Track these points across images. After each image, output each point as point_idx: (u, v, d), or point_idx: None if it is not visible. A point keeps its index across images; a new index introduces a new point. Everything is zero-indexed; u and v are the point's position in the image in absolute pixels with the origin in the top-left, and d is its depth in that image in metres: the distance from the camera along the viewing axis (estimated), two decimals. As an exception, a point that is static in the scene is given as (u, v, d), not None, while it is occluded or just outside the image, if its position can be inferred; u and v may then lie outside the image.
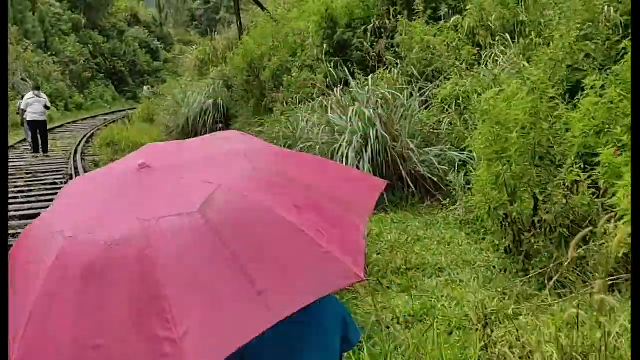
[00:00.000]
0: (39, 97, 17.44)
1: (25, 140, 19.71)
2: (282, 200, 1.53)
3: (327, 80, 12.55)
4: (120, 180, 1.66)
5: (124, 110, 40.14)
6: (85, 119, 33.93)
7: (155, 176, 1.61)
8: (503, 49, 9.11)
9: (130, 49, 54.25)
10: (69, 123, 32.06)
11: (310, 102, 11.88)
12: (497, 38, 9.54)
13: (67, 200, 1.76)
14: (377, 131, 8.70)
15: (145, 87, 45.36)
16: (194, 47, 31.93)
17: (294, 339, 1.64)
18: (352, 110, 9.24)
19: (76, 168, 14.19)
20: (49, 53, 42.31)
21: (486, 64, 9.04)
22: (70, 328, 1.39)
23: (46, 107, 17.72)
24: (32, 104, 17.20)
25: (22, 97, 18.35)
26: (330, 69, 12.91)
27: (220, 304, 1.35)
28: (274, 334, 1.39)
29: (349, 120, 9.20)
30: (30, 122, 17.41)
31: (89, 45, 48.79)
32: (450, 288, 5.57)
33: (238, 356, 1.33)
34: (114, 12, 56.53)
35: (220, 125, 17.00)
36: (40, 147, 17.65)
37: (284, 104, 13.20)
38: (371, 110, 9.01)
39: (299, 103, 12.37)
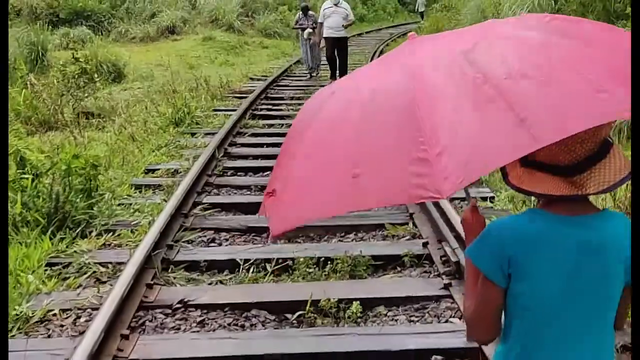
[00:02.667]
0: (339, 6, 13.98)
1: (299, 63, 17.23)
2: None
3: None
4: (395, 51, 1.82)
5: (407, 24, 37.67)
6: (369, 32, 31.96)
7: (424, 39, 1.77)
8: None
9: (416, -42, 51.01)
10: (352, 36, 30.31)
11: None
12: None
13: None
14: None
15: (419, 0, 42.48)
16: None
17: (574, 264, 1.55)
18: None
19: None
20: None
21: None
22: (329, 164, 1.55)
23: (347, 21, 14.08)
24: (329, 16, 13.89)
25: (302, 8, 15.46)
26: None
27: (479, 128, 1.37)
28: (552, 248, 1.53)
29: None
30: (326, 40, 14.15)
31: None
32: None
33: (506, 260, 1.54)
34: None
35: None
36: (338, 74, 14.39)
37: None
38: None
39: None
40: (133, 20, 23.69)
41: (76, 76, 10.93)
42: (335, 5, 13.93)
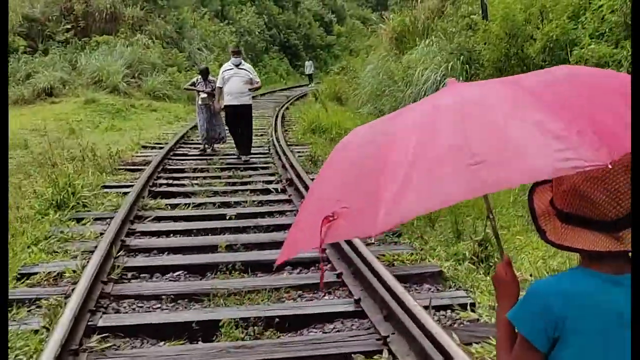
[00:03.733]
0: (241, 67, 11.63)
1: (196, 128, 14.17)
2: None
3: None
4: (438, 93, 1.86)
5: (300, 86, 37.07)
6: (263, 94, 30.90)
7: (471, 84, 1.86)
8: None
9: (305, 21, 51.18)
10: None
11: None
12: None
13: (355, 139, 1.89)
14: None
15: (307, 62, 42.39)
16: (390, 17, 27.59)
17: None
18: None
19: (291, 166, 10.35)
20: (226, 22, 39.97)
21: None
22: (437, 157, 1.48)
23: (252, 84, 11.81)
24: (229, 79, 11.47)
25: (201, 70, 13.07)
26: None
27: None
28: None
29: None
30: (227, 109, 11.68)
31: (264, 16, 46.16)
32: None
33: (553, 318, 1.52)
34: (290, -18, 53.71)
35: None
36: (239, 152, 11.95)
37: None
38: None
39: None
40: (5, 81, 21.29)
41: None
42: (236, 66, 11.62)
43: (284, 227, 7.14)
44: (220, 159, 12.02)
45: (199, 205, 8.34)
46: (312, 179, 9.46)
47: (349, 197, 1.60)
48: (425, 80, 13.68)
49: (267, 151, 12.90)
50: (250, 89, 11.79)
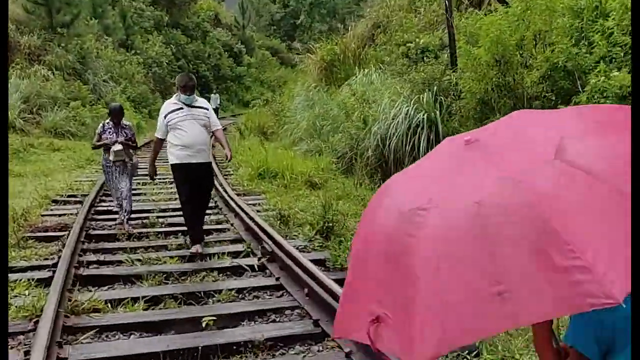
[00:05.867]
0: (194, 105, 7.46)
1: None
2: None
3: None
4: (450, 157, 1.76)
5: (221, 119, 34.49)
6: (178, 129, 28.20)
7: (488, 145, 1.68)
8: None
9: (215, 52, 48.76)
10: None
11: None
12: None
13: (401, 186, 1.84)
14: None
15: (213, 95, 40.12)
16: (318, 45, 25.79)
17: None
18: None
19: (261, 229, 7.91)
20: (132, 52, 37.01)
21: None
22: (465, 283, 1.43)
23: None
24: (179, 124, 7.32)
25: (111, 110, 9.05)
26: None
27: (616, 228, 1.39)
28: None
29: None
30: (176, 170, 7.48)
31: (172, 46, 43.43)
32: None
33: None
34: (197, 11, 51.27)
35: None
36: (193, 239, 7.62)
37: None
38: None
39: None
40: None
41: None
42: (188, 105, 7.36)
43: (297, 340, 4.82)
44: (158, 215, 9.50)
45: (152, 301, 5.79)
46: (298, 248, 7.23)
47: (388, 303, 1.59)
48: (395, 115, 11.65)
49: (213, 204, 10.34)
50: (212, 136, 7.91)
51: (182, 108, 7.34)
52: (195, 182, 7.40)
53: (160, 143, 7.64)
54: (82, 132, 22.45)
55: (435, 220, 1.54)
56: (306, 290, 5.62)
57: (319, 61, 24.75)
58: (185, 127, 7.28)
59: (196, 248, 7.41)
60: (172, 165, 7.44)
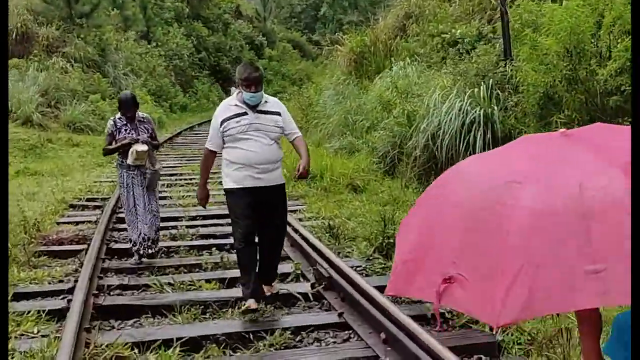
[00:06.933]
0: (262, 109, 5.30)
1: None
2: None
3: None
4: (539, 145, 1.87)
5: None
6: (200, 124, 27.23)
7: (590, 138, 1.82)
8: None
9: (236, 44, 47.67)
10: (185, 130, 25.37)
11: None
12: None
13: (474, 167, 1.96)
14: None
15: (233, 88, 39.02)
16: (346, 36, 24.62)
17: None
18: None
19: (312, 247, 6.66)
20: (153, 44, 36.03)
21: None
22: (560, 257, 1.51)
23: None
24: (243, 133, 5.23)
25: (121, 101, 7.07)
26: None
27: None
28: None
29: None
30: (237, 196, 5.32)
31: (193, 38, 42.38)
32: None
33: None
34: (218, 2, 50.19)
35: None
36: (257, 276, 5.41)
37: None
38: None
39: None
40: None
41: None
42: (254, 108, 5.29)
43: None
44: (187, 224, 8.42)
45: (189, 343, 4.65)
46: (356, 269, 6.10)
47: (466, 266, 1.63)
48: (448, 111, 10.47)
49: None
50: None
51: (245, 113, 5.26)
52: (261, 213, 5.35)
53: (212, 157, 5.55)
54: (101, 127, 21.45)
55: (533, 194, 1.62)
56: (383, 335, 4.46)
57: (348, 53, 23.59)
58: (248, 140, 5.22)
59: (250, 303, 5.18)
60: (226, 190, 5.44)
